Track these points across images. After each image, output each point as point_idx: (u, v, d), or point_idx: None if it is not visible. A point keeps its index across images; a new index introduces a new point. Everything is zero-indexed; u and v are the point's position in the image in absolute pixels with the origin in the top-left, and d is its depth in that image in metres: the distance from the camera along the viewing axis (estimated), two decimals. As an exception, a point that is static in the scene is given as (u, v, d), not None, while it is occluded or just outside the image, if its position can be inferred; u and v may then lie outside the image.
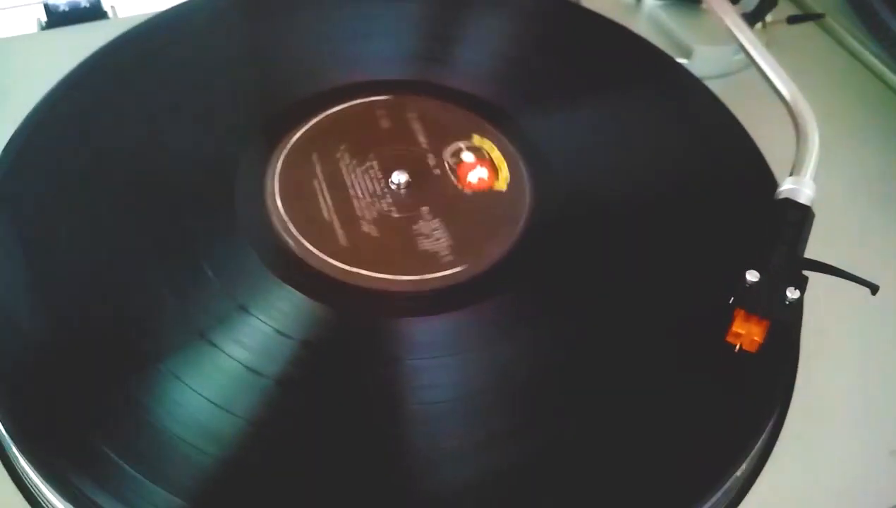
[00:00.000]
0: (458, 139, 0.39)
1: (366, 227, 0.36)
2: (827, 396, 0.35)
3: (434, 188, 0.38)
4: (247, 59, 0.44)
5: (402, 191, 0.38)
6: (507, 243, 0.36)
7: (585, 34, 0.47)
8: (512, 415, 0.31)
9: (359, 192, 0.38)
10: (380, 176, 0.38)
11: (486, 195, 0.38)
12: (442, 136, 0.40)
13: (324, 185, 0.38)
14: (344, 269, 0.35)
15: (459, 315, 0.34)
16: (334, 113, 0.41)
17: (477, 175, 0.38)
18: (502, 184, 0.37)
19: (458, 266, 0.35)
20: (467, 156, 0.38)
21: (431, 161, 0.39)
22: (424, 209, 0.37)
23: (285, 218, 0.36)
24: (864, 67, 0.51)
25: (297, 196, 0.37)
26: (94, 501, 0.28)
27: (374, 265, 0.35)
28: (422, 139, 0.40)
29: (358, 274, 0.35)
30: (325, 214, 0.37)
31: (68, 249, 0.35)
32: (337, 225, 0.36)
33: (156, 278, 0.34)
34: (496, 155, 0.38)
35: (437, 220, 0.37)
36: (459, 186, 0.38)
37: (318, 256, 0.35)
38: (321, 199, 0.37)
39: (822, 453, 0.34)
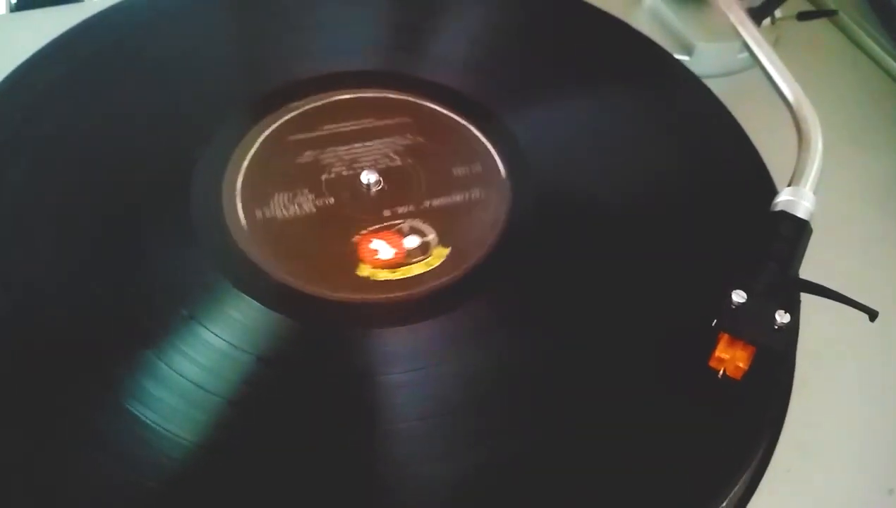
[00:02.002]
0: (438, 232, 0.35)
1: (305, 206, 0.35)
2: (821, 426, 0.33)
3: (404, 188, 0.37)
4: (212, 51, 0.42)
5: (373, 191, 0.36)
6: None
7: (581, 28, 0.46)
8: (483, 430, 0.30)
9: (325, 193, 0.36)
10: (350, 175, 0.37)
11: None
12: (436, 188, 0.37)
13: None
14: (305, 279, 0.33)
15: (435, 323, 0.32)
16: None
17: (379, 248, 0.35)
18: (370, 273, 0.34)
19: (443, 274, 0.34)
20: (410, 242, 0.35)
21: (406, 201, 0.37)
22: (399, 210, 0.36)
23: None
24: (878, 67, 0.49)
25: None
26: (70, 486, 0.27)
27: (338, 274, 0.33)
28: (410, 161, 0.38)
29: (321, 284, 0.33)
30: (281, 200, 0.35)
31: (11, 240, 0.33)
32: (300, 228, 0.35)
33: (100, 279, 0.32)
34: (423, 266, 0.34)
35: (415, 221, 0.35)
36: (360, 235, 0.35)
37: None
38: (283, 184, 0.36)
39: (814, 490, 0.32)
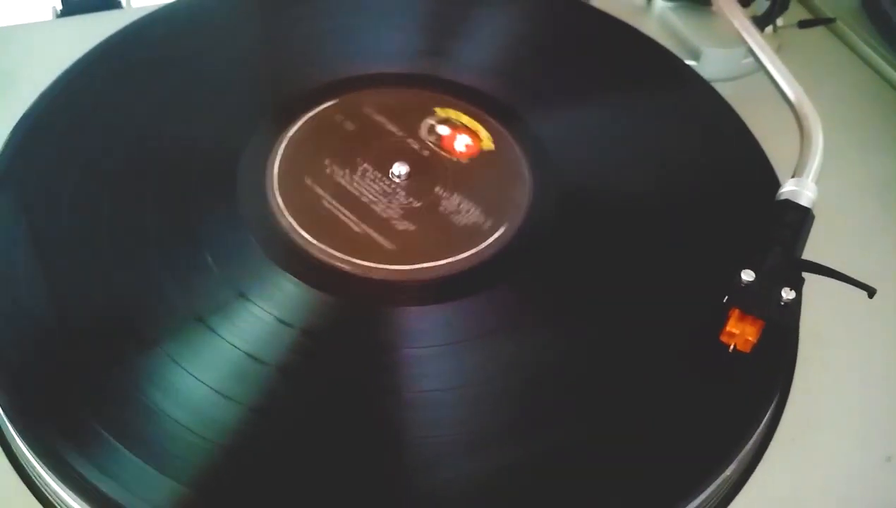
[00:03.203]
0: (424, 116, 0.40)
1: (396, 223, 0.37)
2: (823, 399, 0.35)
3: (435, 168, 0.39)
4: (255, 49, 0.44)
5: (406, 181, 0.38)
6: (508, 235, 0.37)
7: (594, 34, 0.47)
8: (508, 408, 0.32)
9: (364, 189, 0.38)
10: (379, 172, 0.39)
11: (481, 159, 0.39)
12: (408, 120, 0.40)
13: (327, 176, 0.38)
14: (344, 258, 0.35)
15: (458, 305, 0.34)
16: (332, 105, 0.41)
17: (462, 142, 0.39)
18: (488, 143, 0.38)
19: (500, 227, 0.37)
20: (443, 130, 0.39)
21: (414, 145, 0.39)
22: (438, 190, 0.38)
23: (285, 206, 0.37)
24: (875, 72, 0.51)
25: (300, 185, 0.38)
26: (91, 483, 0.28)
27: (418, 256, 0.35)
28: (393, 128, 0.40)
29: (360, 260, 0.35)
30: (328, 204, 0.37)
31: (71, 233, 0.35)
32: (340, 212, 0.37)
33: (157, 263, 0.34)
34: (465, 119, 0.39)
35: (455, 195, 0.38)
36: (455, 158, 0.38)
37: (318, 245, 0.35)
38: (324, 190, 0.38)
39: (816, 457, 0.34)
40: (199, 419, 0.30)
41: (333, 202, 0.37)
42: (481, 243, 0.36)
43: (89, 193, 0.37)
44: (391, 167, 0.38)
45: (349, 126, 0.40)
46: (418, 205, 0.37)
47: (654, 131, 0.42)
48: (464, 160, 0.39)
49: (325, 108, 0.41)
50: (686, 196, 0.39)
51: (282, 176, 0.38)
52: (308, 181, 0.38)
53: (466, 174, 0.39)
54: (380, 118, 0.41)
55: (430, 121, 0.39)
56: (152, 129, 0.39)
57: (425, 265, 0.35)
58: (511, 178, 0.39)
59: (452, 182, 0.38)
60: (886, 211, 0.43)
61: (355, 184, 0.38)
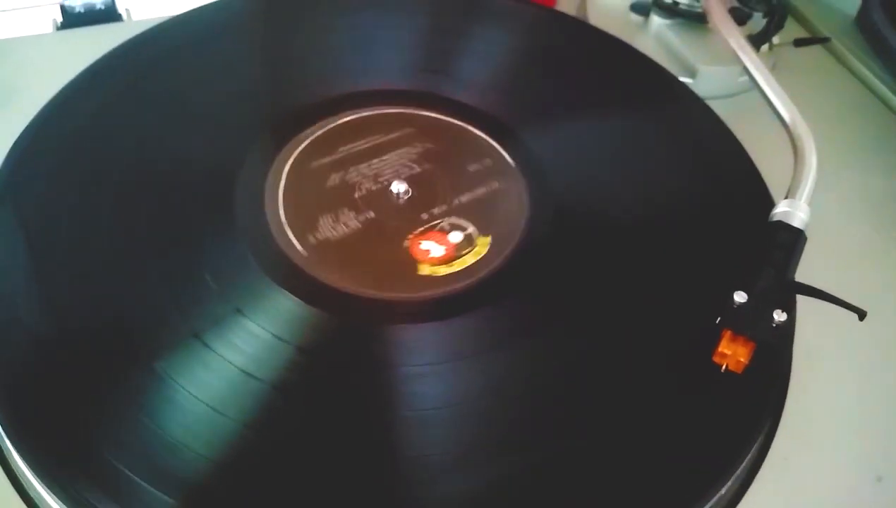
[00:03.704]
0: (475, 223, 0.38)
1: (351, 224, 0.37)
2: (815, 419, 0.35)
3: (432, 191, 0.39)
4: (254, 65, 0.45)
5: (403, 199, 0.38)
6: (504, 252, 0.37)
7: (590, 51, 0.48)
8: (503, 424, 0.32)
9: (358, 190, 0.38)
10: (382, 185, 0.39)
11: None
12: (459, 186, 0.40)
13: (326, 193, 0.38)
14: (343, 278, 0.35)
15: (454, 323, 0.34)
16: (335, 124, 0.41)
17: (430, 247, 0.37)
18: (432, 270, 0.36)
19: (496, 244, 0.37)
20: (454, 236, 0.37)
21: (438, 202, 0.39)
22: (434, 211, 0.38)
23: (285, 223, 0.37)
24: (870, 91, 0.51)
25: (299, 202, 0.38)
26: (87, 500, 0.28)
27: (402, 278, 0.35)
28: (428, 166, 0.40)
29: (358, 283, 0.35)
30: (327, 222, 0.37)
31: (69, 246, 0.35)
32: (323, 213, 0.37)
33: (154, 279, 0.35)
34: (473, 255, 0.37)
35: (451, 218, 0.38)
36: (409, 239, 0.37)
37: (315, 263, 0.35)
38: (323, 207, 0.38)
39: (809, 476, 0.34)
40: (194, 435, 0.30)
41: (331, 218, 0.37)
42: (477, 260, 0.36)
43: (88, 208, 0.37)
44: (390, 185, 0.39)
45: (387, 136, 0.41)
46: (395, 224, 0.37)
47: (649, 149, 0.43)
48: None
49: (322, 123, 0.41)
50: (679, 214, 0.39)
51: (280, 192, 0.38)
52: (307, 197, 0.38)
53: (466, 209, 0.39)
54: (419, 146, 0.41)
55: (465, 225, 0.38)
56: (151, 144, 0.40)
57: (421, 283, 0.35)
58: (506, 196, 0.39)
59: (451, 197, 0.39)
60: (879, 231, 0.43)
61: (355, 199, 0.38)
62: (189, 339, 0.32)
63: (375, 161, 0.40)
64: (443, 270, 0.35)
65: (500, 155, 0.41)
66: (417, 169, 0.40)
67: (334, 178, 0.39)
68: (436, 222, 0.38)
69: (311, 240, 0.36)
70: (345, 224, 0.37)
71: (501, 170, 0.40)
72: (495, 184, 0.40)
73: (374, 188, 0.39)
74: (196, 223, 0.37)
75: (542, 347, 0.34)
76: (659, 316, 0.35)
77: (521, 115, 0.43)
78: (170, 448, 0.30)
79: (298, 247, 0.36)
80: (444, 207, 0.38)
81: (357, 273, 0.35)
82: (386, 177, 0.39)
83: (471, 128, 0.42)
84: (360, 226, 0.37)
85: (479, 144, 0.41)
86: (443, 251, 0.36)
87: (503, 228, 0.38)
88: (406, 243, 0.37)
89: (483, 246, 0.36)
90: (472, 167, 0.40)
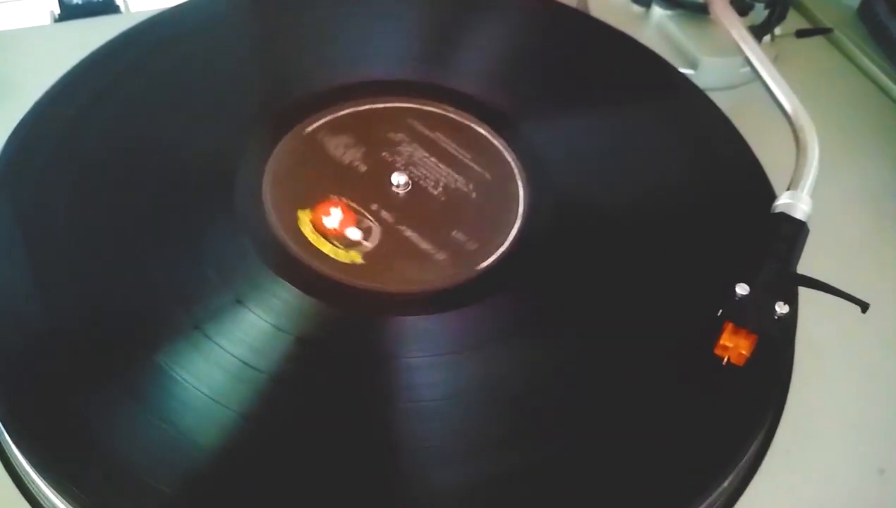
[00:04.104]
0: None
1: (373, 229, 0.37)
2: (818, 412, 0.35)
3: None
4: (251, 56, 0.44)
5: (403, 192, 0.38)
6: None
7: (591, 43, 0.47)
8: (503, 418, 0.32)
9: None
10: (382, 177, 0.39)
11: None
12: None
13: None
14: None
15: (454, 315, 0.34)
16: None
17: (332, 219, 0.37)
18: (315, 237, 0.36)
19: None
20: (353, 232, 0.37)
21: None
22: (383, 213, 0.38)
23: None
24: (872, 82, 0.51)
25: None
26: (87, 493, 0.28)
27: (381, 269, 0.35)
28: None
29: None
30: (364, 238, 0.37)
31: (67, 238, 0.35)
32: (342, 223, 0.37)
33: (153, 269, 0.34)
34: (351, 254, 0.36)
35: (382, 225, 0.37)
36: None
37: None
38: (321, 196, 0.38)
39: (811, 469, 0.34)
40: (194, 426, 0.30)
41: (326, 182, 0.37)
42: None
43: (86, 200, 0.37)
44: (393, 174, 0.38)
45: (386, 128, 0.41)
46: (394, 218, 0.37)
47: (650, 141, 0.42)
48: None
49: (322, 113, 0.41)
50: (681, 207, 0.39)
51: (280, 182, 0.38)
52: (308, 187, 0.38)
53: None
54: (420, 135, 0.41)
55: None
56: (150, 135, 0.39)
57: (422, 275, 0.35)
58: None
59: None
60: (882, 223, 0.43)
61: (356, 174, 0.38)
62: (189, 330, 0.32)
63: (375, 152, 0.40)
64: (307, 230, 0.36)
65: (504, 151, 0.41)
66: (418, 160, 0.40)
67: (336, 169, 0.39)
68: (368, 215, 0.37)
69: (312, 227, 0.36)
70: (365, 228, 0.37)
71: (502, 166, 0.40)
72: (489, 175, 0.39)
73: (374, 179, 0.38)
74: (195, 214, 0.36)
75: (542, 339, 0.34)
76: (660, 308, 0.35)
77: (520, 107, 0.43)
78: (170, 439, 0.30)
79: (296, 235, 0.36)
80: (392, 214, 0.38)
81: (347, 256, 0.35)
82: (387, 169, 0.39)
83: (470, 119, 0.42)
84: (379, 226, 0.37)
85: (474, 136, 0.41)
86: (332, 225, 0.36)
87: (499, 221, 0.38)
88: (329, 198, 0.37)
89: (348, 258, 0.36)
90: (469, 156, 0.40)
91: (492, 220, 0.38)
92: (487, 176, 0.39)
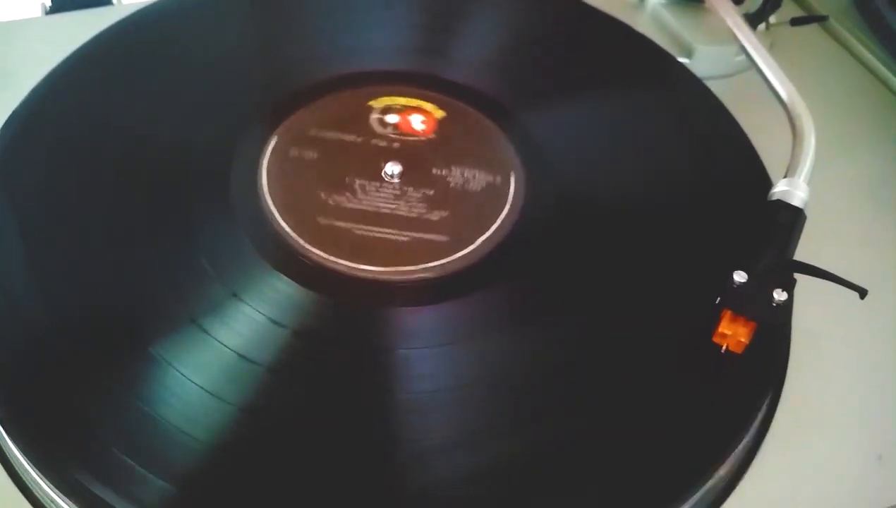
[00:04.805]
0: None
1: (368, 218, 0.37)
2: (816, 399, 0.35)
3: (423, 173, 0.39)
4: (246, 47, 0.44)
5: (397, 180, 0.38)
6: (499, 235, 0.36)
7: (586, 30, 0.47)
8: (501, 408, 0.32)
9: (357, 183, 0.38)
10: (376, 167, 0.38)
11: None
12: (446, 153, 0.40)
13: (321, 175, 0.38)
14: (338, 260, 0.35)
15: (451, 306, 0.34)
16: (331, 104, 0.41)
17: (418, 120, 0.38)
18: (437, 112, 0.37)
19: (492, 226, 0.37)
20: (391, 118, 0.39)
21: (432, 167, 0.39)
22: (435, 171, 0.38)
23: (280, 206, 0.36)
24: (867, 70, 0.51)
25: (293, 185, 0.37)
26: (83, 486, 0.28)
27: (377, 256, 0.35)
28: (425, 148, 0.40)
29: (355, 266, 0.35)
30: (322, 204, 0.37)
31: (63, 232, 0.35)
32: (335, 214, 0.37)
33: (149, 264, 0.34)
34: (402, 100, 0.38)
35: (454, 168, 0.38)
36: (423, 137, 0.38)
37: (310, 247, 0.35)
38: (318, 189, 0.37)
39: (809, 455, 0.34)
40: (191, 419, 0.30)
41: (321, 173, 0.38)
42: (475, 242, 0.36)
43: (79, 193, 0.36)
44: (381, 170, 0.38)
45: (342, 124, 0.40)
46: (394, 205, 0.37)
47: (646, 129, 0.42)
48: (431, 136, 0.39)
49: (318, 105, 0.41)
50: (677, 195, 0.39)
51: (275, 175, 0.38)
52: (302, 179, 0.38)
53: (446, 146, 0.39)
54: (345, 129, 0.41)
55: (375, 115, 0.39)
56: (143, 128, 0.39)
57: (418, 266, 0.35)
58: (502, 176, 0.39)
59: (442, 159, 0.39)
60: (879, 210, 0.43)
61: (351, 164, 0.38)
62: (186, 324, 0.32)
63: (370, 142, 0.40)
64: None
65: (501, 139, 0.41)
66: (407, 150, 0.39)
67: (330, 161, 0.39)
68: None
69: (307, 220, 0.36)
70: (359, 216, 0.37)
71: (498, 154, 0.40)
72: (486, 166, 0.39)
73: (367, 170, 0.38)
74: (191, 207, 0.36)
75: (540, 329, 0.34)
76: (657, 297, 0.35)
77: (516, 95, 0.42)
78: (167, 433, 0.29)
79: (292, 229, 0.36)
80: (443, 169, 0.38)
81: (342, 249, 0.35)
82: (379, 160, 0.39)
83: (466, 108, 0.41)
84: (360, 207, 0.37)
85: (472, 126, 0.41)
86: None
87: (496, 211, 0.38)
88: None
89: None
90: (438, 124, 0.40)
91: (483, 213, 0.37)
92: (484, 167, 0.39)
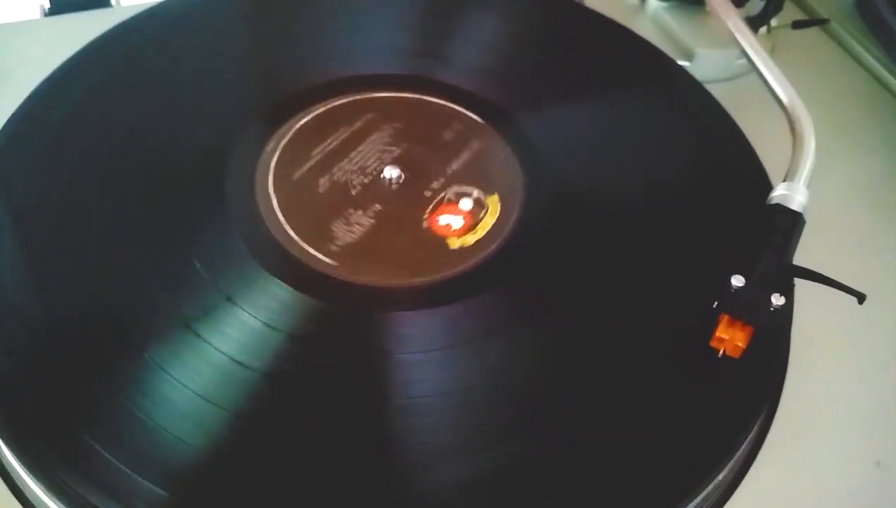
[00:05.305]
0: (477, 185, 0.38)
1: (363, 222, 0.36)
2: (814, 404, 0.35)
3: (423, 186, 0.38)
4: (243, 51, 0.44)
5: (394, 186, 0.38)
6: (498, 239, 0.36)
7: (587, 34, 0.47)
8: (500, 412, 0.31)
9: (354, 186, 0.38)
10: (375, 170, 0.38)
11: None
12: (445, 156, 0.40)
13: (317, 179, 0.38)
14: (334, 265, 0.35)
15: (447, 310, 0.34)
16: (328, 107, 0.41)
17: (449, 221, 0.37)
18: (461, 242, 0.36)
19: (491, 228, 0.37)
20: (465, 204, 0.37)
21: (433, 176, 0.39)
22: (433, 185, 0.38)
23: (276, 210, 0.36)
24: (869, 73, 0.51)
25: (290, 189, 0.37)
26: (77, 492, 0.28)
27: (372, 261, 0.35)
28: (423, 150, 0.40)
29: (352, 269, 0.35)
30: (319, 209, 0.37)
31: (59, 235, 0.35)
32: (332, 219, 0.36)
33: (144, 267, 0.34)
34: (491, 216, 0.37)
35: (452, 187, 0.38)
36: (425, 219, 0.37)
37: (308, 251, 0.35)
38: (314, 193, 0.37)
39: (808, 461, 0.34)
40: (185, 425, 0.30)
41: (317, 178, 0.37)
42: (496, 219, 0.36)
43: (77, 196, 0.36)
44: (382, 171, 0.38)
45: (381, 121, 0.40)
46: (387, 210, 0.37)
47: (646, 132, 0.42)
48: (426, 226, 0.37)
49: (315, 108, 0.41)
50: (677, 198, 0.39)
51: (271, 178, 0.38)
52: (298, 183, 0.38)
53: (445, 150, 0.39)
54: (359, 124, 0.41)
55: (475, 192, 0.38)
56: (140, 130, 0.39)
57: (415, 269, 0.35)
58: (501, 182, 0.39)
59: (441, 162, 0.39)
60: (878, 215, 0.43)
61: (347, 168, 0.38)
62: (180, 329, 0.32)
63: (355, 152, 0.39)
64: (471, 239, 0.36)
65: (469, 116, 0.41)
66: (398, 151, 0.39)
67: (323, 183, 0.38)
68: (441, 195, 0.38)
69: (333, 248, 0.35)
70: (358, 224, 0.37)
71: (477, 129, 0.40)
72: (475, 145, 0.40)
73: (366, 181, 0.38)
74: (186, 211, 0.36)
75: (538, 333, 0.34)
76: (655, 300, 0.35)
77: (516, 99, 0.42)
78: (160, 438, 0.29)
79: (289, 232, 0.36)
80: (441, 179, 0.38)
81: (390, 267, 0.35)
82: (373, 166, 0.39)
83: (465, 112, 0.41)
84: (372, 221, 0.37)
85: (446, 112, 0.41)
86: (461, 221, 0.36)
87: (495, 214, 0.37)
88: (425, 224, 0.37)
89: (494, 204, 0.37)
90: (448, 135, 0.40)
91: (495, 186, 0.37)
92: (483, 170, 0.39)
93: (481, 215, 0.37)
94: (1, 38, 0.47)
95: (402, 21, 0.46)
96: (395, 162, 0.39)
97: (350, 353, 0.32)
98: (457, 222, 0.36)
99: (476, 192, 0.37)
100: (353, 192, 0.38)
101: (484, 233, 0.36)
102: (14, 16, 0.49)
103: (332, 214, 0.37)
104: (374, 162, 0.39)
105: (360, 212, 0.37)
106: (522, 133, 0.41)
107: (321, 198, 0.37)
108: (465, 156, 0.39)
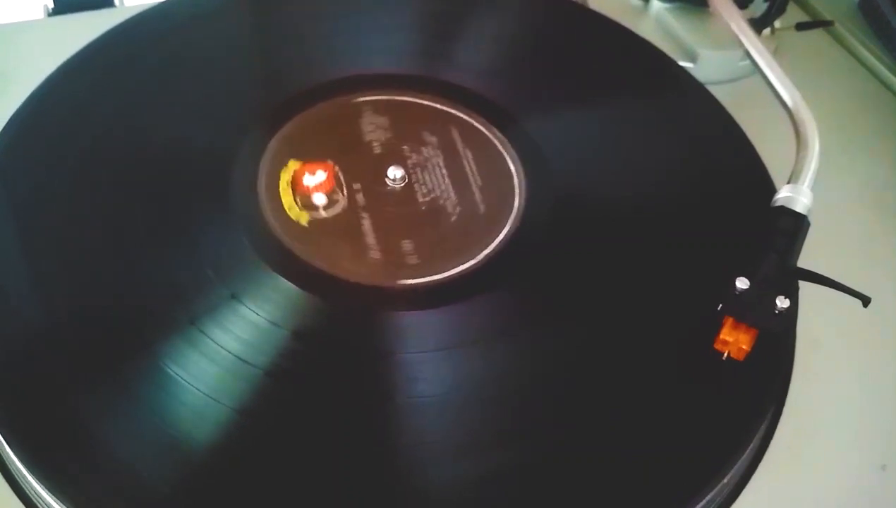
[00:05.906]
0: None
1: (366, 221, 0.36)
2: (819, 408, 0.35)
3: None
4: (247, 50, 0.44)
5: (399, 185, 0.38)
6: (501, 240, 0.36)
7: (590, 36, 0.47)
8: (501, 413, 0.31)
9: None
10: (378, 170, 0.38)
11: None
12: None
13: (322, 177, 0.38)
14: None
15: (451, 310, 0.34)
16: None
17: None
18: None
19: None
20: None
21: (434, 176, 0.39)
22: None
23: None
24: (873, 75, 0.51)
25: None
26: (80, 490, 0.28)
27: (377, 259, 0.35)
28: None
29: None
30: (323, 207, 0.37)
31: (62, 233, 0.35)
32: (336, 218, 0.36)
33: (147, 265, 0.34)
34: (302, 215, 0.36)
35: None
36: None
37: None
38: (318, 192, 0.37)
39: (812, 465, 0.34)
40: (190, 423, 0.30)
41: (323, 176, 0.37)
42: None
43: (79, 195, 0.36)
44: (389, 168, 0.38)
45: (382, 120, 0.40)
46: (392, 210, 0.37)
47: (649, 134, 0.42)
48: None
49: (318, 108, 0.41)
50: (680, 200, 0.39)
51: (275, 177, 0.38)
52: (303, 184, 0.38)
53: (449, 151, 0.39)
54: (368, 123, 0.40)
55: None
56: (144, 129, 0.39)
57: (419, 269, 0.35)
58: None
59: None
60: (883, 216, 0.43)
61: (351, 166, 0.38)
62: (184, 326, 0.32)
63: (370, 146, 0.39)
64: (283, 187, 0.36)
65: (504, 144, 0.40)
66: (411, 154, 0.39)
67: (353, 142, 0.39)
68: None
69: (307, 222, 0.36)
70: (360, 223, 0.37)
71: (479, 131, 0.41)
72: (477, 145, 0.40)
73: (370, 180, 0.38)
74: (190, 209, 0.36)
75: (540, 334, 0.34)
76: (659, 303, 0.35)
77: (519, 100, 0.42)
78: (166, 436, 0.29)
79: (292, 230, 0.36)
80: (442, 180, 0.38)
81: (343, 252, 0.35)
82: (383, 163, 0.39)
83: (470, 113, 0.41)
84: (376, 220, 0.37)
85: (449, 113, 0.41)
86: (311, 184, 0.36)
87: (499, 213, 0.37)
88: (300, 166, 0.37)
89: (302, 218, 0.36)
90: (449, 135, 0.40)
91: (484, 217, 0.37)
92: (485, 172, 0.39)
93: (307, 208, 0.36)
94: (5, 37, 0.47)
95: (404, 22, 0.46)
96: (398, 162, 0.38)
97: (352, 351, 0.32)
98: (310, 182, 0.37)
99: (336, 206, 0.36)
100: (357, 190, 0.37)
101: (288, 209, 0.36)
102: (18, 16, 0.49)
103: (335, 211, 0.37)
104: (377, 162, 0.39)
105: (362, 212, 0.37)
106: (525, 134, 0.41)
107: (324, 195, 0.37)
108: (469, 156, 0.39)
